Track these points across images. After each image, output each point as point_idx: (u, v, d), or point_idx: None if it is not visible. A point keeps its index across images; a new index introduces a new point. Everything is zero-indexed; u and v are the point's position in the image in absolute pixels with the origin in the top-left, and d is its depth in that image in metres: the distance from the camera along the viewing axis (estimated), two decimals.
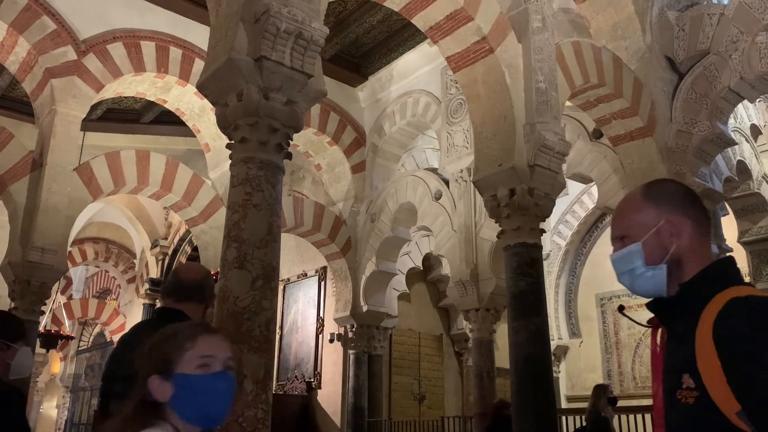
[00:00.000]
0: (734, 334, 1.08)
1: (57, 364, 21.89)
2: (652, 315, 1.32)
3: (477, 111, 6.21)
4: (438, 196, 9.14)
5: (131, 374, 1.34)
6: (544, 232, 6.04)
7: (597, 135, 8.38)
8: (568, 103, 7.19)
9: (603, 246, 12.08)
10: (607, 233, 12.06)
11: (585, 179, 9.13)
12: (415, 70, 9.92)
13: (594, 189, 9.76)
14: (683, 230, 1.26)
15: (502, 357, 8.66)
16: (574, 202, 12.06)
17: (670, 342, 1.23)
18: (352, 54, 10.22)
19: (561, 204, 10.84)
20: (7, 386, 2.42)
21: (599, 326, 12.03)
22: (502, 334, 8.26)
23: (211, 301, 2.53)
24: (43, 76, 7.89)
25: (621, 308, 1.68)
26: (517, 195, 5.64)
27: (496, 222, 5.98)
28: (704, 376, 1.09)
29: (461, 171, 8.80)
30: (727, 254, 1.16)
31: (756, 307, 1.11)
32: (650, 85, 7.64)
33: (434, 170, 9.80)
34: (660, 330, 1.31)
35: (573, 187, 10.55)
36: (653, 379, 1.31)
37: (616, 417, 6.49)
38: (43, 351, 14.94)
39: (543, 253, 6.26)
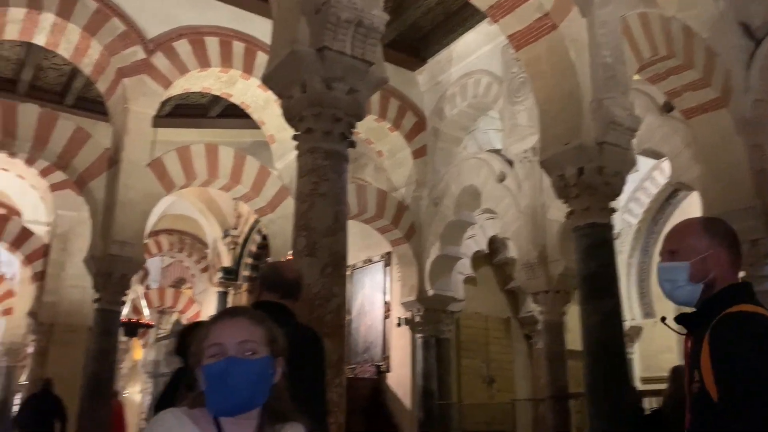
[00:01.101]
0: (719, 340, 1.41)
1: (138, 351, 22.95)
2: None
3: (541, 89, 6.09)
4: (502, 178, 9.03)
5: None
6: (615, 211, 5.88)
7: (668, 108, 8.08)
8: (636, 77, 6.94)
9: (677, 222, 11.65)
10: (680, 210, 11.63)
11: (656, 155, 8.83)
12: (475, 50, 9.78)
13: (666, 164, 9.41)
14: (723, 261, 1.58)
15: (573, 339, 8.52)
16: (645, 179, 11.67)
17: (693, 346, 1.53)
18: (411, 38, 10.15)
19: (631, 181, 10.49)
20: None
21: (674, 305, 11.63)
22: (572, 315, 8.12)
23: (299, 296, 2.67)
24: (115, 76, 8.21)
25: (663, 319, 1.91)
26: (586, 174, 5.51)
27: (564, 202, 5.87)
28: (703, 371, 1.42)
29: (526, 151, 8.66)
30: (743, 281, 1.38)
31: (741, 320, 1.43)
32: (723, 54, 7.28)
33: (497, 151, 9.67)
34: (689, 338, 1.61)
35: (643, 163, 10.19)
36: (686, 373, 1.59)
37: None
38: (126, 339, 15.67)
39: (613, 232, 6.10)
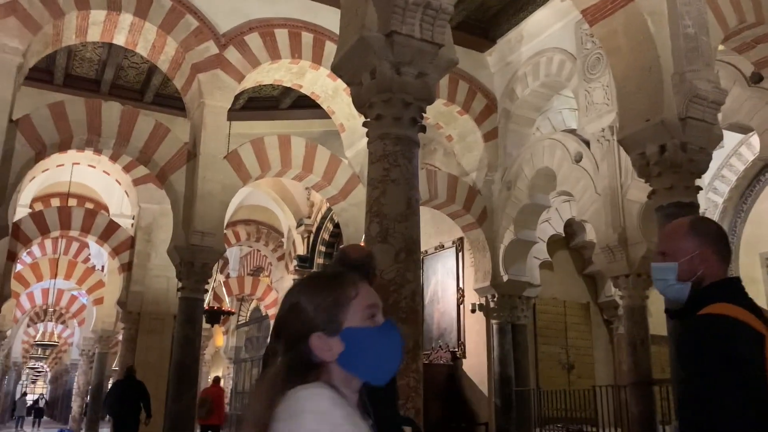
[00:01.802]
0: (679, 342, 1.58)
1: (220, 338, 23.81)
2: None
3: (618, 64, 5.85)
4: (578, 159, 8.75)
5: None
6: (700, 189, 5.60)
7: (756, 79, 7.60)
8: (720, 47, 6.55)
9: (766, 201, 11.00)
10: None
11: (743, 129, 8.35)
12: (547, 28, 9.50)
13: (754, 139, 8.88)
14: (710, 260, 1.67)
15: (657, 324, 8.22)
16: (731, 155, 11.04)
17: None
18: (479, 18, 9.97)
19: (716, 158, 9.98)
20: None
21: (765, 288, 11.02)
22: (655, 300, 7.81)
23: (373, 279, 2.55)
24: (190, 71, 8.47)
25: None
26: (668, 151, 5.26)
27: (645, 182, 5.63)
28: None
29: (603, 130, 8.35)
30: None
31: (698, 323, 1.56)
32: None
33: (572, 131, 9.38)
34: None
35: (729, 138, 9.65)
36: None
37: None
38: (208, 326, 16.27)
39: (699, 211, 5.80)
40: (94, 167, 13.14)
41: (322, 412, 0.99)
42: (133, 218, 13.09)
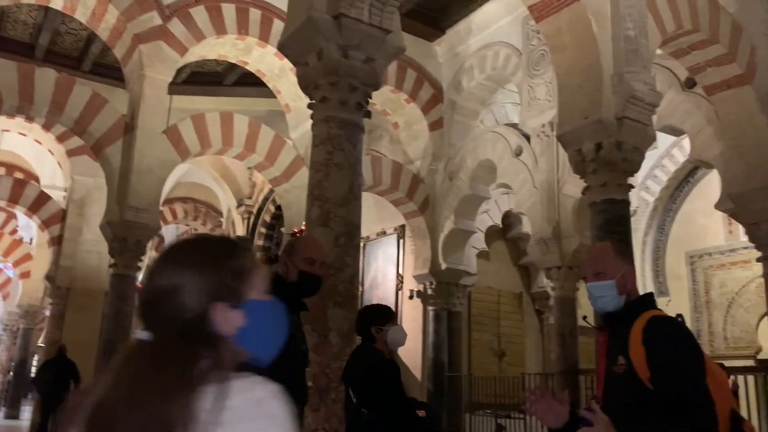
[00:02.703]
0: (655, 336, 1.88)
1: None
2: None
3: (562, 62, 5.98)
4: (518, 152, 8.94)
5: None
6: (632, 187, 5.81)
7: (690, 84, 7.92)
8: (658, 51, 6.80)
9: (694, 202, 11.52)
10: (698, 188, 11.48)
11: (676, 131, 8.69)
12: (495, 22, 9.62)
13: (685, 142, 9.27)
14: (632, 276, 2.08)
15: (585, 315, 8.51)
16: (664, 156, 11.50)
17: (612, 338, 2.03)
18: (429, 7, 9.99)
19: (649, 158, 10.36)
20: (390, 360, 3.22)
21: (689, 285, 11.57)
22: (584, 293, 8.09)
23: (290, 259, 2.39)
24: (131, 42, 8.18)
25: (584, 318, 2.70)
26: (604, 149, 5.43)
27: (581, 178, 5.80)
28: (633, 357, 1.87)
29: (543, 125, 8.55)
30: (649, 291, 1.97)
31: (665, 322, 1.95)
32: (750, 28, 7.11)
33: (515, 125, 9.56)
34: (604, 333, 2.11)
35: (663, 140, 10.05)
36: (598, 361, 2.13)
37: None
38: None
39: (630, 209, 6.03)
40: (26, 135, 12.57)
41: (275, 416, 0.85)
42: (66, 190, 12.60)
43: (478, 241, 10.81)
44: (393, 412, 3.06)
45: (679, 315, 1.87)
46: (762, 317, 10.32)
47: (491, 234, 11.31)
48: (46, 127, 11.18)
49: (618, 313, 2.04)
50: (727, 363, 9.50)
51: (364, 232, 11.16)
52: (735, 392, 5.95)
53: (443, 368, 9.77)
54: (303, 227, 4.68)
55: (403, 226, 11.11)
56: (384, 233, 11.73)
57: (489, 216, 11.04)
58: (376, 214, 11.59)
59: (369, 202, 11.11)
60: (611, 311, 2.05)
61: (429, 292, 10.14)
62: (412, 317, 10.71)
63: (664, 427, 1.82)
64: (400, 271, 11.19)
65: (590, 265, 2.10)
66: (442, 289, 10.06)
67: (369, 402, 3.05)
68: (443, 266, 9.95)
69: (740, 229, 9.33)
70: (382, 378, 3.07)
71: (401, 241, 11.30)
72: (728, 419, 1.86)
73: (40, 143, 12.71)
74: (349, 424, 3.17)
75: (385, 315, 3.28)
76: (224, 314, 0.94)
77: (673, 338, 1.93)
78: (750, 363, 9.77)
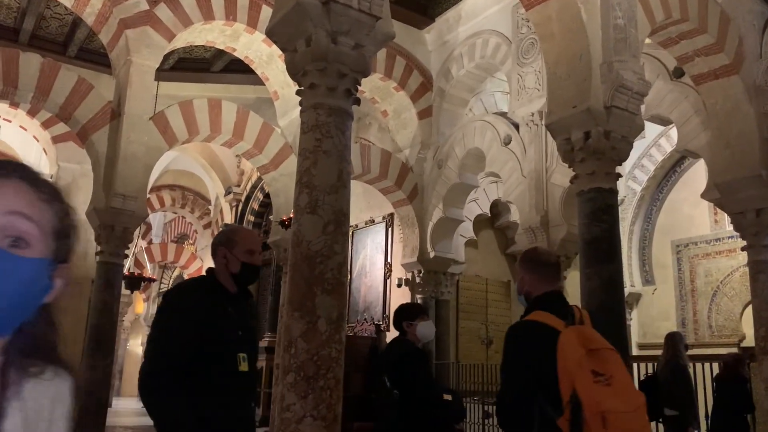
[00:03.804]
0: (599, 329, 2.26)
1: (141, 305, 23.21)
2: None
3: (551, 50, 5.97)
4: (507, 141, 8.95)
5: None
6: (620, 176, 5.83)
7: (678, 74, 7.94)
8: (647, 41, 6.81)
9: (680, 192, 11.61)
10: (685, 178, 11.57)
11: (664, 121, 8.72)
12: (484, 10, 9.59)
13: (673, 131, 9.31)
14: (529, 280, 2.34)
15: (571, 303, 8.57)
16: (651, 146, 11.57)
17: None
18: None
19: (637, 148, 10.42)
20: (420, 349, 3.78)
21: (674, 273, 11.68)
22: (572, 281, 8.14)
23: (231, 251, 2.49)
24: (117, 27, 8.08)
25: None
26: (593, 138, 5.44)
27: (569, 167, 5.81)
28: None
29: (532, 114, 8.56)
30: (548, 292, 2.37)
31: (511, 328, 2.28)
32: (738, 18, 7.13)
33: (503, 114, 9.56)
34: None
35: (650, 129, 10.10)
36: None
37: (691, 365, 6.36)
38: (128, 292, 15.80)
39: (618, 198, 6.06)
40: (10, 121, 12.40)
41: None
42: (51, 177, 12.47)
43: (467, 229, 10.83)
44: (422, 394, 3.54)
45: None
46: (746, 306, 10.44)
47: (479, 222, 11.34)
48: (31, 113, 11.04)
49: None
50: (712, 351, 9.65)
51: (352, 221, 11.16)
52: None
53: (431, 356, 9.81)
54: (291, 215, 4.66)
55: (391, 215, 11.12)
56: (372, 221, 11.74)
57: (477, 204, 11.07)
58: (364, 202, 11.59)
59: (357, 190, 11.12)
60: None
61: (417, 280, 10.17)
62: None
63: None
64: (389, 260, 11.21)
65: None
66: (430, 278, 10.09)
67: (401, 385, 3.56)
68: (431, 255, 9.98)
69: (726, 219, 9.42)
70: (412, 363, 3.60)
71: (390, 229, 11.31)
72: (568, 400, 1.97)
73: (25, 129, 12.56)
74: (383, 409, 3.72)
75: (415, 312, 3.86)
76: None
77: (506, 341, 2.24)
78: (734, 350, 9.88)
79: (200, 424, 2.15)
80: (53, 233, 0.80)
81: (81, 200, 11.03)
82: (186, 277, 18.79)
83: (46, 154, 12.63)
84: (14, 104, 9.96)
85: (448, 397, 3.77)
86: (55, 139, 11.72)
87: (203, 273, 2.58)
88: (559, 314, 2.17)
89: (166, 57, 9.58)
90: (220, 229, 14.41)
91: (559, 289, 2.37)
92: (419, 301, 10.07)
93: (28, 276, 0.76)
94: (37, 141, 12.63)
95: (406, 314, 3.82)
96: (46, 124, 11.41)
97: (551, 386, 1.99)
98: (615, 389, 1.94)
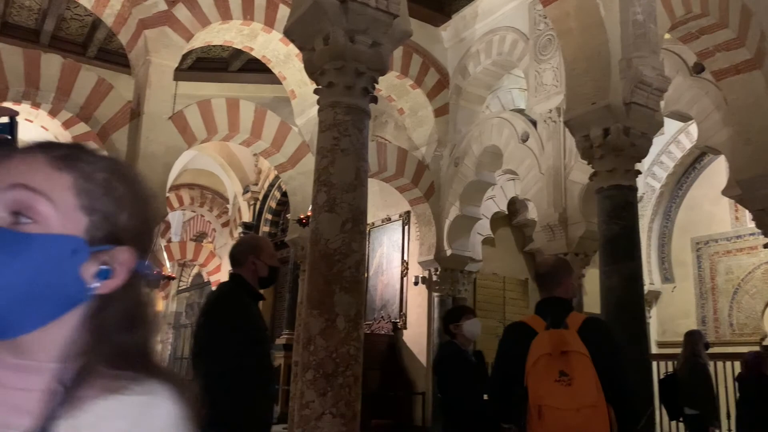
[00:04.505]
0: (596, 334, 2.42)
1: (160, 303, 23.40)
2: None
3: (569, 47, 5.94)
4: (525, 138, 8.90)
5: None
6: (640, 173, 5.79)
7: (698, 69, 7.85)
8: (666, 36, 6.74)
9: (700, 188, 11.48)
10: (705, 174, 11.44)
11: (683, 117, 8.63)
12: (501, 6, 9.54)
13: (692, 128, 9.21)
14: (538, 287, 2.63)
15: (590, 302, 8.52)
16: (670, 142, 11.45)
17: None
18: None
19: (656, 144, 10.30)
20: (460, 351, 3.92)
21: (694, 271, 11.55)
22: (590, 278, 8.09)
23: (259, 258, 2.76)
24: (136, 27, 8.16)
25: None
26: (612, 135, 5.40)
27: (588, 164, 5.78)
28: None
29: (550, 111, 8.50)
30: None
31: (603, 323, 2.66)
32: (760, 12, 7.03)
33: (521, 111, 9.52)
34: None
35: (669, 125, 9.98)
36: None
37: (712, 363, 6.30)
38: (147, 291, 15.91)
39: (637, 195, 6.01)
40: (32, 122, 12.57)
41: None
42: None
43: (484, 227, 10.79)
44: (460, 396, 3.71)
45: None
46: (767, 304, 10.31)
47: (497, 220, 11.29)
48: (53, 113, 11.15)
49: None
50: (733, 349, 9.53)
51: (369, 219, 11.17)
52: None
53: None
54: (309, 213, 4.69)
55: (408, 213, 11.11)
56: (389, 219, 11.74)
57: (494, 202, 11.02)
58: (381, 200, 11.59)
59: (374, 188, 11.12)
60: None
61: (434, 278, 10.15)
62: (417, 303, 10.74)
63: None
64: (405, 258, 11.20)
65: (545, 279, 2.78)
66: (447, 276, 10.07)
67: (441, 388, 3.82)
68: (448, 253, 9.96)
69: (747, 216, 9.30)
70: (450, 367, 3.81)
71: (406, 227, 11.30)
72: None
73: (46, 129, 12.72)
74: (439, 408, 4.06)
75: (458, 313, 4.04)
76: None
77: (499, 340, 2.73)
78: (755, 349, 9.76)
79: (250, 417, 2.35)
80: (80, 204, 0.65)
81: None
82: (205, 275, 18.94)
83: None
84: (36, 105, 10.07)
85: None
86: (76, 139, 11.85)
87: (226, 276, 2.75)
88: (543, 317, 2.53)
89: (185, 57, 9.66)
90: (239, 233, 14.52)
91: (555, 295, 2.60)
92: (436, 299, 10.07)
93: (39, 257, 0.60)
94: None
95: (450, 318, 4.01)
96: (66, 125, 11.54)
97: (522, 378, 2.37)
98: (572, 389, 2.19)
